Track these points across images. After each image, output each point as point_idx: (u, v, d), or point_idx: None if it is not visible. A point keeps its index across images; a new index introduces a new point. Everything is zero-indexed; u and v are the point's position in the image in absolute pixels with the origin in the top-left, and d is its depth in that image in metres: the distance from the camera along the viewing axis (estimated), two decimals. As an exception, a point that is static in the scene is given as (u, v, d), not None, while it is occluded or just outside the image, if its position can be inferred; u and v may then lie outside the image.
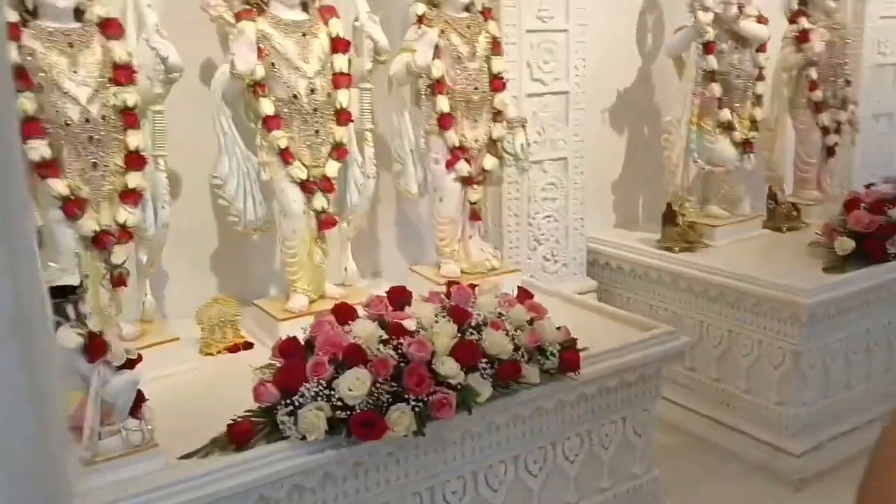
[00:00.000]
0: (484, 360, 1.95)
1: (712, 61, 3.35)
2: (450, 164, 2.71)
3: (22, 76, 2.00)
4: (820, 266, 3.06)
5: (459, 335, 1.97)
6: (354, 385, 1.79)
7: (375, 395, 1.81)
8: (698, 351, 3.21)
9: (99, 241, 2.14)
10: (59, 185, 2.05)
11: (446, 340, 1.91)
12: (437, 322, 1.97)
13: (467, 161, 2.74)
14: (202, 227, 2.78)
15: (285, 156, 2.39)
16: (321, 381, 1.80)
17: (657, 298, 3.34)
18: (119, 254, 2.18)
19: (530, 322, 2.12)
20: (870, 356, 3.10)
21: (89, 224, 2.11)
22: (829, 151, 3.84)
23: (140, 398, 1.84)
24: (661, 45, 3.69)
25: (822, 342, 2.88)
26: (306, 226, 2.47)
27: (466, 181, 2.76)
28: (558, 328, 2.17)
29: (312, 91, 2.40)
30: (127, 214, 2.18)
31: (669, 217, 3.41)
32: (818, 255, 3.16)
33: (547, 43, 3.15)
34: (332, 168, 2.47)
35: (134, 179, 2.18)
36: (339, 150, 2.48)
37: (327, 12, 2.48)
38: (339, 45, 2.46)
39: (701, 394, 3.22)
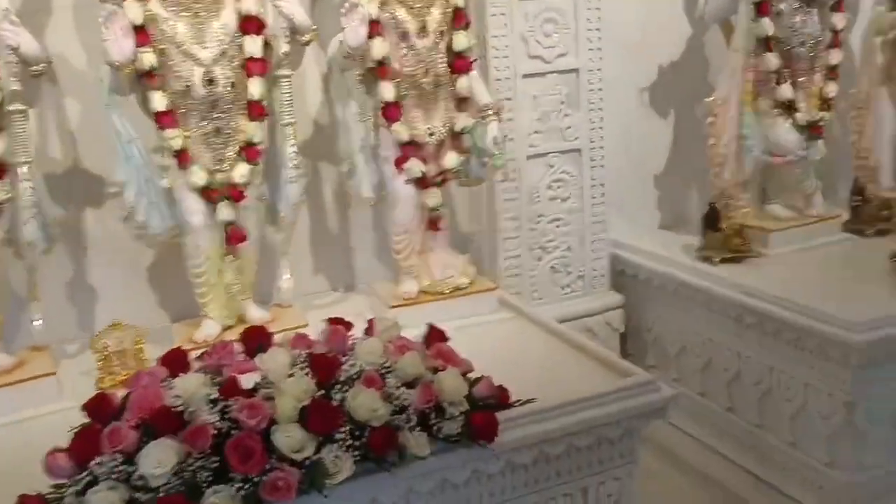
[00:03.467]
0: (348, 428, 1.51)
1: (766, 25, 2.67)
2: (398, 164, 2.26)
3: None
4: (900, 287, 2.36)
5: (323, 394, 1.54)
6: (160, 461, 1.40)
7: (188, 473, 1.41)
8: (736, 389, 2.59)
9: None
10: None
11: (292, 402, 1.48)
12: (290, 376, 1.54)
13: (423, 159, 2.27)
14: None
15: (181, 159, 2.02)
16: (118, 453, 1.42)
17: (692, 321, 2.73)
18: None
19: (435, 372, 1.65)
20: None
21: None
22: (938, 133, 3.04)
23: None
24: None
25: (886, 390, 2.19)
26: (211, 241, 2.10)
27: (421, 183, 2.29)
28: (476, 380, 1.69)
29: (211, 82, 2.01)
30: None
31: (711, 220, 2.78)
32: (899, 271, 2.46)
33: (548, 12, 2.60)
34: (240, 171, 2.08)
35: (-12, 189, 1.89)
36: (249, 150, 2.09)
37: (239, -15, 2.08)
38: (249, 25, 2.06)
39: (740, 442, 2.59)
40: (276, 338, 1.65)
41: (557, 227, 2.78)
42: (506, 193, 2.68)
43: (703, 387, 2.74)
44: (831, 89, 2.77)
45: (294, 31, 2.06)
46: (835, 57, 2.77)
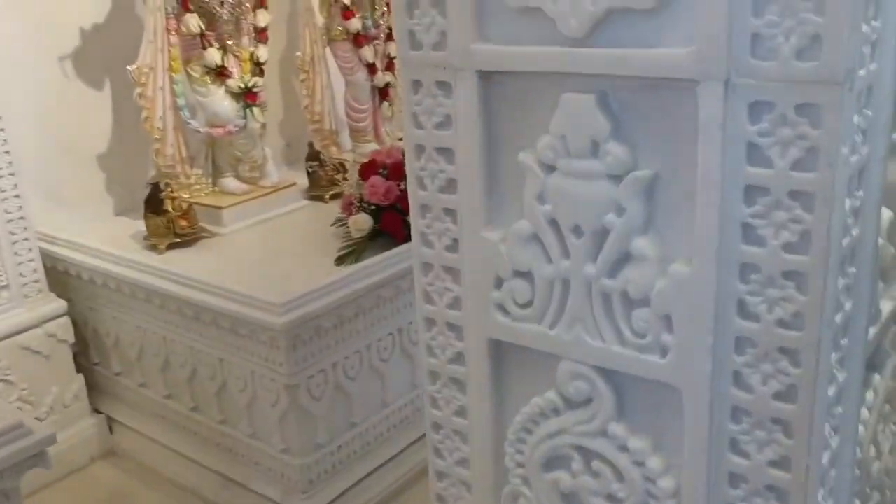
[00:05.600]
0: None
1: (173, -18, 2.42)
2: None
3: None
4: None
5: None
6: None
7: None
8: (196, 386, 2.36)
9: None
10: None
11: None
12: None
13: None
14: None
15: None
16: None
17: (142, 318, 2.42)
18: None
19: None
20: (407, 364, 2.42)
21: None
22: (382, 93, 3.13)
23: None
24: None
25: (325, 364, 2.13)
26: None
27: None
28: None
29: None
30: None
31: (153, 202, 2.48)
32: (342, 237, 2.44)
33: None
34: None
35: None
36: None
37: None
38: None
39: (208, 442, 2.39)
40: None
41: (-42, 232, 2.24)
42: None
43: (168, 388, 2.47)
44: (262, 53, 2.63)
45: None
46: (262, 18, 2.63)
